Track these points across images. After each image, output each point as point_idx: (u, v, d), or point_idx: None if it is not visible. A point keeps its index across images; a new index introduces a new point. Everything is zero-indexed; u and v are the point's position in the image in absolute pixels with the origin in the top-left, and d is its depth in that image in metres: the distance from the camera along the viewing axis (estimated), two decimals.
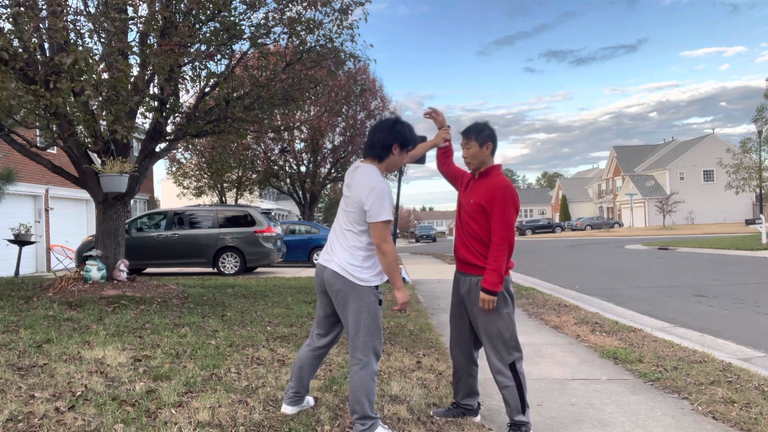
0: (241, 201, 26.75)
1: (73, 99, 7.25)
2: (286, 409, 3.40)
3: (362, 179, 3.04)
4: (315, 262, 17.51)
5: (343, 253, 3.05)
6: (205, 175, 25.49)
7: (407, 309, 6.49)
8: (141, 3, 7.43)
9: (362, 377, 2.99)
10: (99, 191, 8.48)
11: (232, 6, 8.22)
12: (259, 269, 15.64)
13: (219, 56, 8.66)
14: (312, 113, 21.48)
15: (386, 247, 2.97)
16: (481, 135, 3.24)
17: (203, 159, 24.55)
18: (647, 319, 7.23)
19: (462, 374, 3.39)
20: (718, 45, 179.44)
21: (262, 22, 8.78)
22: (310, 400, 3.54)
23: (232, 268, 13.99)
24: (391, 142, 3.09)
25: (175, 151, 23.94)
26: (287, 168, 26.24)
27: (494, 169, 3.28)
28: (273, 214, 17.12)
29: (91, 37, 7.26)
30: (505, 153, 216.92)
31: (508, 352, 3.16)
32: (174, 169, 26.51)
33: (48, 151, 10.30)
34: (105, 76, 7.25)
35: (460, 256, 3.29)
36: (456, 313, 3.37)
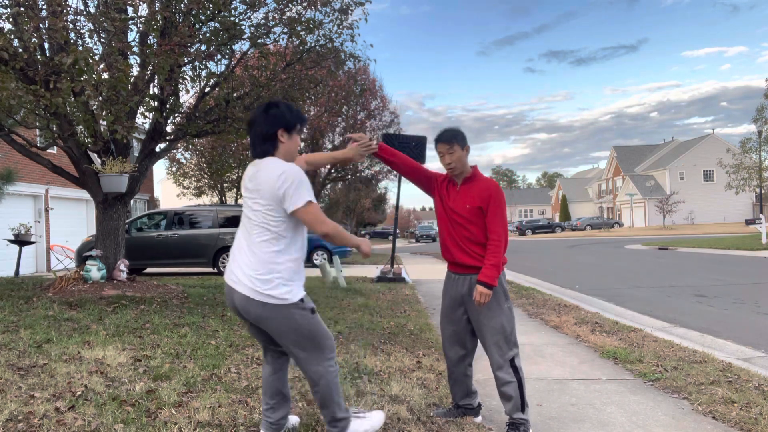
0: (241, 201, 26.74)
1: (73, 99, 7.25)
2: None
3: (267, 171, 2.64)
4: (315, 262, 17.51)
5: (252, 271, 2.62)
6: (205, 175, 25.50)
7: (407, 309, 6.48)
8: (141, 3, 7.43)
9: (324, 385, 2.74)
10: (99, 191, 8.48)
11: (232, 6, 8.22)
12: None
13: (219, 56, 8.66)
14: (312, 113, 21.48)
15: (327, 227, 2.64)
16: (461, 139, 3.26)
17: (203, 159, 24.55)
18: (647, 319, 7.23)
19: (458, 375, 3.39)
20: (719, 45, 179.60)
21: (262, 22, 8.78)
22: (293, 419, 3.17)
23: None
24: (272, 130, 2.70)
25: (175, 151, 23.94)
26: None
27: (477, 171, 3.32)
28: None
29: (91, 37, 7.27)
30: (506, 153, 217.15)
31: (509, 347, 3.18)
32: (174, 169, 26.52)
33: (48, 151, 10.30)
34: (105, 76, 7.25)
35: (458, 261, 3.28)
36: (450, 314, 3.36)
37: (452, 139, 3.23)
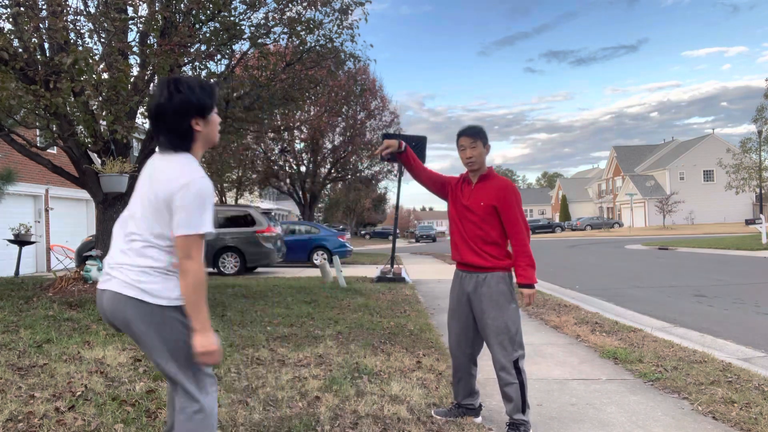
0: (241, 201, 26.76)
1: (73, 99, 7.25)
2: None
3: (172, 170, 2.09)
4: (315, 262, 17.51)
5: (131, 268, 2.09)
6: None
7: (407, 309, 6.44)
8: (141, 3, 7.43)
9: (194, 426, 2.11)
10: (99, 191, 8.48)
11: (232, 6, 8.23)
12: (259, 269, 15.63)
13: (219, 56, 8.67)
14: (312, 113, 21.49)
15: (190, 266, 2.02)
16: (484, 136, 3.32)
17: (203, 159, 24.55)
18: (647, 319, 7.23)
19: (462, 374, 3.39)
20: (719, 45, 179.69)
21: (262, 22, 8.79)
22: None
23: (232, 268, 13.99)
24: (187, 122, 2.13)
25: None
26: (287, 168, 26.25)
27: (493, 171, 3.35)
28: (273, 214, 17.13)
29: (91, 37, 7.27)
30: (506, 153, 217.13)
31: (513, 348, 3.18)
32: None
33: (48, 151, 10.31)
34: (105, 76, 7.26)
35: (466, 261, 3.29)
36: (457, 312, 3.37)
37: (476, 134, 3.29)
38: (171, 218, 2.05)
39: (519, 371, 3.16)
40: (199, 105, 2.14)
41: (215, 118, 2.24)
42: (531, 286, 3.18)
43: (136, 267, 2.09)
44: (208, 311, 2.07)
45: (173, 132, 2.14)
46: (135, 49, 7.72)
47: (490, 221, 3.21)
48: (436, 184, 3.49)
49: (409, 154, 3.46)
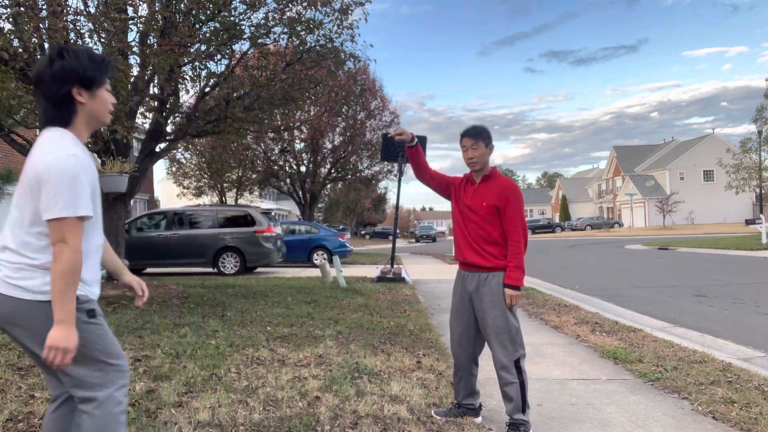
0: (241, 201, 26.75)
1: None
2: None
3: (38, 149, 1.94)
4: (315, 262, 17.51)
5: (8, 262, 1.94)
6: (205, 175, 25.50)
7: (407, 309, 6.42)
8: (141, 3, 7.43)
9: (100, 422, 1.98)
10: None
11: (232, 6, 8.22)
12: (259, 269, 15.63)
13: (219, 56, 8.66)
14: (312, 113, 21.47)
15: (63, 249, 1.85)
16: (487, 137, 3.32)
17: (203, 159, 24.55)
18: (647, 319, 7.23)
19: (463, 373, 3.39)
20: (719, 45, 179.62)
21: (262, 22, 8.78)
22: None
23: (232, 268, 13.99)
24: (66, 88, 1.97)
25: (175, 151, 23.94)
26: (287, 168, 26.24)
27: (496, 171, 3.35)
28: (273, 214, 17.12)
29: (91, 37, 7.26)
30: (506, 153, 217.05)
31: (514, 348, 3.18)
32: (174, 169, 26.52)
33: None
34: None
35: (468, 261, 3.29)
36: (459, 311, 3.37)
37: (478, 135, 3.29)
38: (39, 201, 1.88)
39: (520, 371, 3.17)
40: (82, 72, 1.97)
41: (106, 95, 2.06)
42: (516, 287, 3.16)
43: (12, 263, 1.93)
44: (72, 306, 1.86)
45: (53, 100, 1.97)
46: (135, 49, 7.71)
47: (492, 221, 3.21)
48: (441, 184, 3.52)
49: (419, 149, 3.48)
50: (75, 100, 1.99)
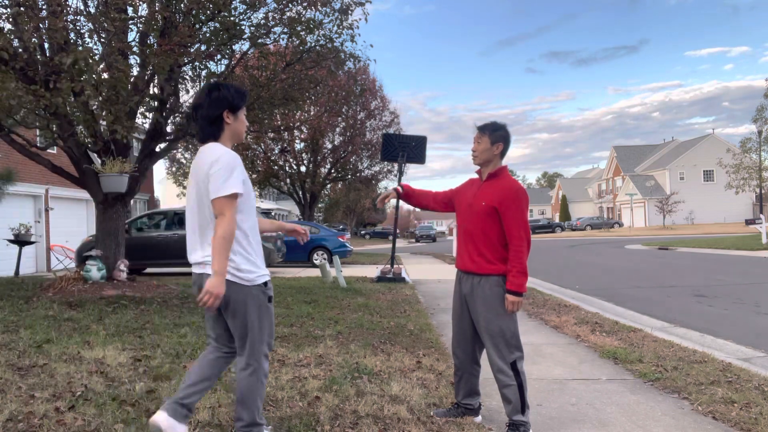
0: None
1: (73, 99, 7.25)
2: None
3: (204, 155, 2.66)
4: (315, 262, 17.51)
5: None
6: None
7: (407, 309, 6.39)
8: (141, 3, 7.44)
9: (252, 382, 2.69)
10: (99, 191, 8.48)
11: (232, 6, 8.22)
12: None
13: (219, 56, 8.67)
14: (312, 113, 21.48)
15: (221, 221, 2.50)
16: (495, 134, 3.26)
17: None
18: (647, 319, 7.23)
19: (464, 373, 3.39)
20: (722, 45, 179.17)
21: (262, 22, 8.78)
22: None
23: None
24: (218, 112, 2.69)
25: (175, 151, 23.94)
26: (287, 168, 26.24)
27: (503, 171, 3.29)
28: (273, 214, 17.12)
29: (91, 37, 7.27)
30: (508, 153, 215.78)
31: (509, 351, 3.16)
32: (174, 169, 26.52)
33: (48, 151, 10.30)
34: (105, 76, 7.26)
35: (465, 262, 3.29)
36: (458, 312, 3.37)
37: (484, 129, 3.29)
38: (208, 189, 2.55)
39: (517, 373, 3.15)
40: (231, 100, 2.69)
41: (243, 118, 2.79)
42: (518, 293, 3.11)
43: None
44: (226, 262, 2.49)
45: (209, 120, 2.68)
46: (135, 49, 7.72)
47: (489, 222, 3.17)
48: (442, 202, 3.54)
49: (407, 193, 3.60)
50: (224, 121, 2.71)
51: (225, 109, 2.69)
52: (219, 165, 2.54)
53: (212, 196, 2.53)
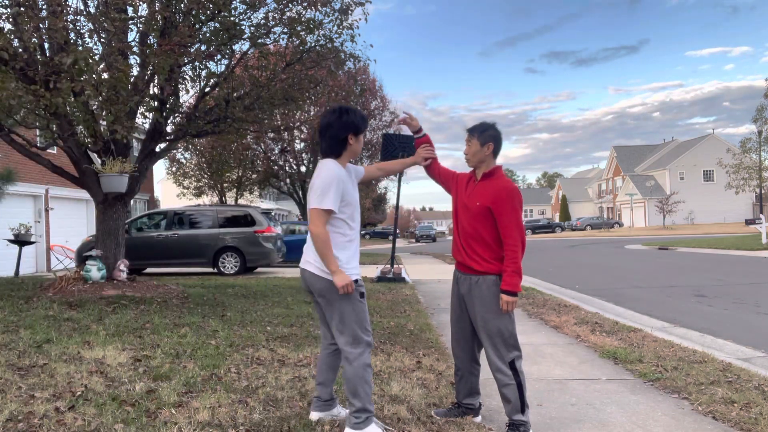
0: (241, 201, 26.75)
1: (73, 99, 7.25)
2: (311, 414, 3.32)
3: (318, 169, 3.09)
4: None
5: (313, 255, 3.06)
6: (205, 175, 25.49)
7: (407, 309, 6.44)
8: (141, 3, 7.43)
9: (354, 368, 3.01)
10: (99, 191, 8.47)
11: (232, 6, 8.22)
12: (259, 269, 15.63)
13: (219, 56, 8.66)
14: (312, 113, 21.47)
15: (313, 230, 2.96)
16: (484, 134, 3.26)
17: (203, 159, 24.54)
18: (647, 319, 7.23)
19: (464, 373, 3.39)
20: (722, 45, 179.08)
21: (262, 22, 8.78)
22: (340, 409, 3.36)
23: (232, 268, 13.99)
24: (345, 134, 3.08)
25: (175, 151, 23.94)
26: (287, 168, 26.23)
27: (497, 171, 3.29)
28: (273, 214, 17.11)
29: (91, 37, 7.26)
30: (508, 153, 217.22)
31: (507, 350, 3.16)
32: (174, 169, 26.51)
33: (48, 151, 10.30)
34: (105, 76, 7.25)
35: (460, 262, 3.29)
36: (456, 312, 3.38)
37: (472, 131, 3.30)
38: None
39: (516, 372, 3.15)
40: (356, 125, 3.09)
41: (362, 139, 3.19)
42: (513, 293, 3.11)
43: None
44: (334, 260, 2.94)
45: (337, 140, 3.08)
46: (135, 49, 7.71)
47: (483, 222, 3.17)
48: (447, 181, 3.53)
49: (428, 139, 3.63)
50: (348, 142, 3.11)
51: (351, 132, 3.08)
52: (320, 180, 2.98)
53: (309, 206, 3.00)
